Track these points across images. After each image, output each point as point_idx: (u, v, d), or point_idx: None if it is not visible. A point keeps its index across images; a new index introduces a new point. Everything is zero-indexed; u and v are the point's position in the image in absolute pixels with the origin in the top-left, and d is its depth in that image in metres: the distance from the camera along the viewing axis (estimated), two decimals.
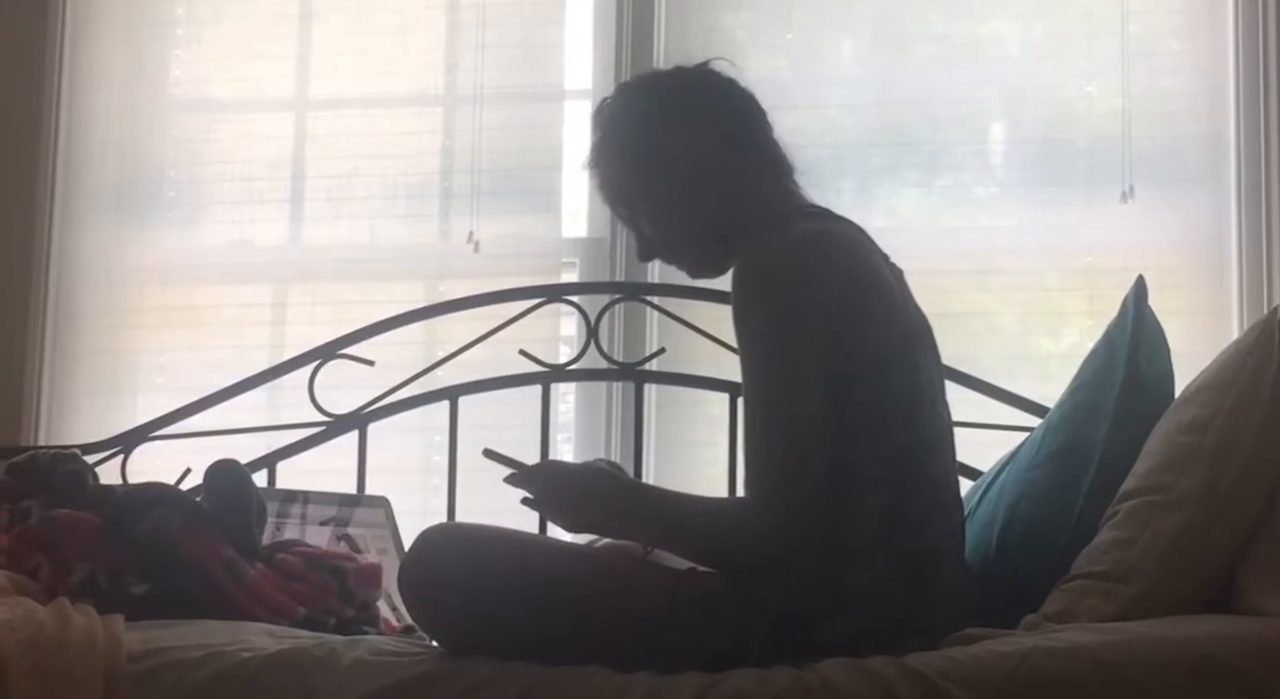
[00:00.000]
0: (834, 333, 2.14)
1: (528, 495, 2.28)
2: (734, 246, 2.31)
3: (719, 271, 2.42)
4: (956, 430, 3.16)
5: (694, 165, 2.34)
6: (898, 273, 2.37)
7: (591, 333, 3.45)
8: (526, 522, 3.21)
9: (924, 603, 2.13)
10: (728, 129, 2.37)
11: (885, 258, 2.35)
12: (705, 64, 2.45)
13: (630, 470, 3.43)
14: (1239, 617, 2.09)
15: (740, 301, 2.18)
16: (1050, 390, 2.93)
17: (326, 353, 3.48)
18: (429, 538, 2.19)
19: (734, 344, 3.22)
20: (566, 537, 2.70)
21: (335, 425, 3.47)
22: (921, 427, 2.22)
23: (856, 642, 2.05)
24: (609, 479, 2.28)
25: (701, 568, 2.17)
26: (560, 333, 3.70)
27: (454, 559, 2.15)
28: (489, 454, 2.33)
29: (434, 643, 2.22)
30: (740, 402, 3.29)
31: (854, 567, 2.10)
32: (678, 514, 2.20)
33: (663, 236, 2.40)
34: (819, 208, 2.37)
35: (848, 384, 2.14)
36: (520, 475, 2.26)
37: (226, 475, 2.64)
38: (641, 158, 2.37)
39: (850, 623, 2.08)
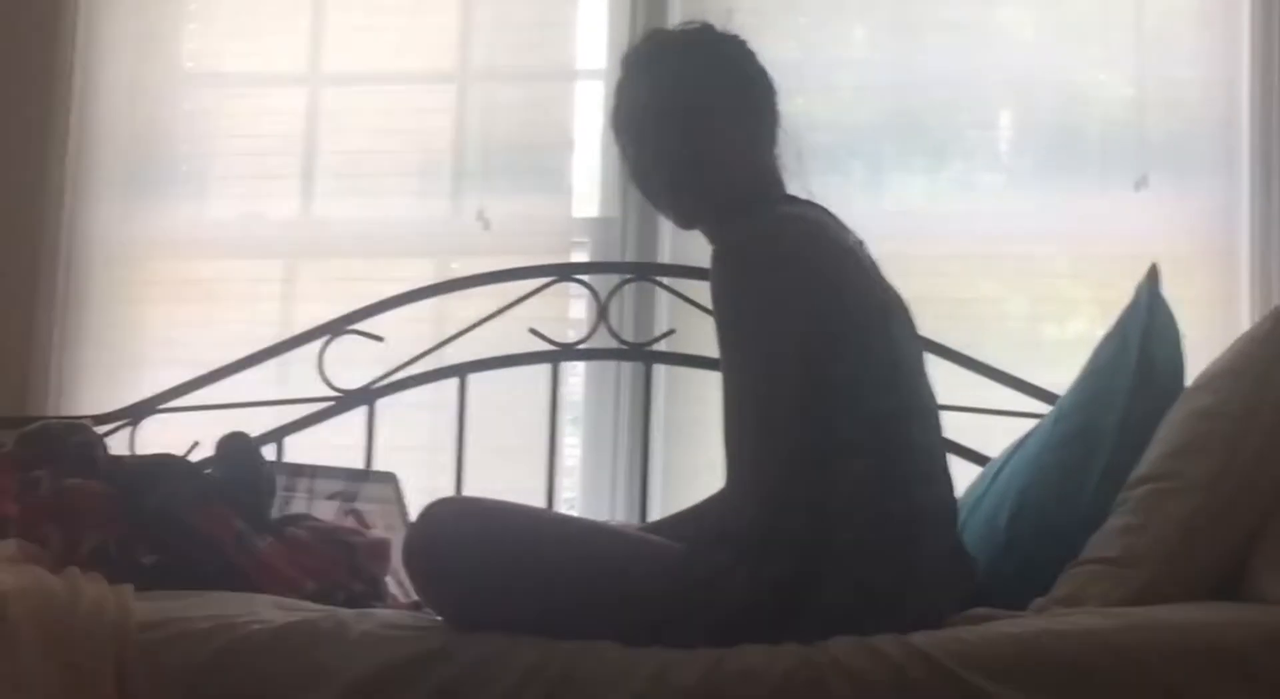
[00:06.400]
0: (811, 306, 2.16)
1: None
2: (710, 206, 2.35)
3: (687, 224, 2.43)
4: (965, 416, 3.17)
5: (709, 120, 2.36)
6: (870, 257, 2.38)
7: (601, 312, 3.45)
8: (535, 500, 3.23)
9: (919, 565, 2.14)
10: (751, 100, 2.40)
11: (860, 242, 2.37)
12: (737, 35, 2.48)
13: (639, 450, 3.44)
14: (1250, 604, 2.09)
15: (718, 286, 2.20)
16: (1057, 377, 2.93)
17: (336, 328, 3.48)
18: (435, 511, 2.19)
19: None
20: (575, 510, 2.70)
21: (344, 401, 3.48)
22: (904, 394, 2.24)
23: (858, 607, 2.06)
24: None
25: (707, 540, 2.17)
26: (570, 313, 3.69)
27: (460, 532, 2.15)
28: None
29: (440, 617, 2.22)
30: None
31: (839, 528, 2.10)
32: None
33: (655, 174, 2.41)
34: (794, 197, 2.40)
35: (828, 353, 2.15)
36: None
37: (237, 448, 2.65)
38: (661, 96, 2.38)
39: (847, 583, 2.08)
